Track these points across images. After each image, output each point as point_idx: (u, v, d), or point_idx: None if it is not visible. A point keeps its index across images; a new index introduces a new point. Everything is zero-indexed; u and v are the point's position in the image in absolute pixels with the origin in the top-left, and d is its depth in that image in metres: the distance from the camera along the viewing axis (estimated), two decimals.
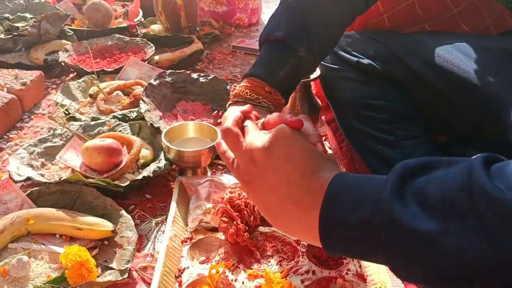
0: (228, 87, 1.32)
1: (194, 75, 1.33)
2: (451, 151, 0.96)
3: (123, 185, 0.91)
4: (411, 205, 0.36)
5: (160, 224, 0.90)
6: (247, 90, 0.74)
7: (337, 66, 1.03)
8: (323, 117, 1.27)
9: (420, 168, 0.39)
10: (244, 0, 2.05)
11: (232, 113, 0.58)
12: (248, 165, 0.51)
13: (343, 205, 0.41)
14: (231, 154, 0.57)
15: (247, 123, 0.56)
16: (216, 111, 1.28)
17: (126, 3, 2.06)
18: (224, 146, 0.60)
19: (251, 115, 0.60)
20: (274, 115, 0.56)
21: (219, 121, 1.26)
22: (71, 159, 0.99)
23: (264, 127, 0.58)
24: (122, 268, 0.75)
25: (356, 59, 0.98)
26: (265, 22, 2.17)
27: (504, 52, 0.83)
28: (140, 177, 0.94)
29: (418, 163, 0.39)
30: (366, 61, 0.96)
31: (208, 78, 1.33)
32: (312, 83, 1.16)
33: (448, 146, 0.99)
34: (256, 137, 0.52)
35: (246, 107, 0.60)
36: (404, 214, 0.36)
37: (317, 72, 1.09)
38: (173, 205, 0.86)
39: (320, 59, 0.85)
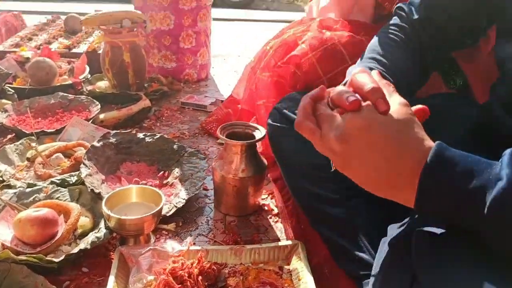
0: (175, 146, 1.30)
1: (140, 135, 1.31)
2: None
3: (56, 260, 0.85)
4: None
5: None
6: None
7: (284, 125, 1.05)
8: (269, 175, 1.27)
9: None
10: (193, 56, 2.08)
11: (301, 103, 0.56)
12: (329, 154, 0.52)
13: (450, 173, 0.45)
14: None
15: (320, 109, 0.54)
16: (162, 172, 1.25)
17: (72, 59, 2.02)
18: None
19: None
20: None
21: (165, 182, 1.23)
22: (2, 233, 0.92)
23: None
24: None
25: None
26: (214, 77, 2.22)
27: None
28: (76, 250, 0.88)
29: None
30: None
31: (155, 137, 1.31)
32: (258, 143, 1.16)
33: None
34: (330, 126, 0.51)
35: (317, 90, 0.56)
36: None
37: (262, 132, 1.09)
38: (111, 279, 0.81)
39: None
